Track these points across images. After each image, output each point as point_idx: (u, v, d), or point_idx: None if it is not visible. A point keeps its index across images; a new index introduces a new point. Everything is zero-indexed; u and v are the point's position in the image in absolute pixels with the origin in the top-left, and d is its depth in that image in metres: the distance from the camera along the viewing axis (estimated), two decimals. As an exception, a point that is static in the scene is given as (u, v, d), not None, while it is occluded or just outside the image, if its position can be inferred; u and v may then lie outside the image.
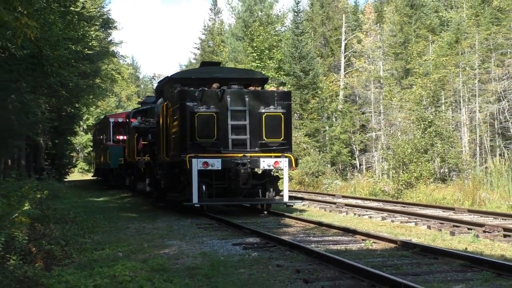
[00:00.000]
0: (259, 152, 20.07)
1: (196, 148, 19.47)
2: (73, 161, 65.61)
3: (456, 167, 35.58)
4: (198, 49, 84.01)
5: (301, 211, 22.33)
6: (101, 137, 45.62)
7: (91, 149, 65.78)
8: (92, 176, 56.53)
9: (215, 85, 20.58)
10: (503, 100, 36.63)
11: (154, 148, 25.06)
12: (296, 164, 21.26)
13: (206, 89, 20.25)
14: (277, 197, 20.95)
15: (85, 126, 71.37)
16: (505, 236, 14.63)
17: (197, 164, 18.85)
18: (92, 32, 43.19)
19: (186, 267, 11.52)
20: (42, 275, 9.90)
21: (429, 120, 35.33)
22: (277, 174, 23.18)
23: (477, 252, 12.32)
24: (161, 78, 24.54)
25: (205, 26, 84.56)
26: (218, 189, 20.18)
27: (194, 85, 20.91)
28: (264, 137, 20.07)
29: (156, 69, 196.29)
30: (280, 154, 20.08)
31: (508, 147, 36.12)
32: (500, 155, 35.36)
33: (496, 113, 37.53)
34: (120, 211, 24.45)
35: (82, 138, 75.37)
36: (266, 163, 19.79)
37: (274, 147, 20.22)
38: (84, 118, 65.24)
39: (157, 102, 23.78)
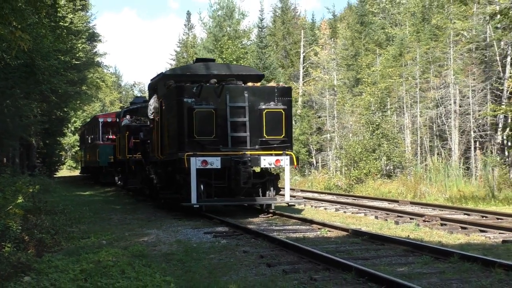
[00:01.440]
0: (259, 150, 17.31)
1: (194, 146, 16.65)
2: (62, 159, 65.53)
3: (400, 165, 35.91)
4: (174, 60, 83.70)
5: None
6: (91, 136, 42.80)
7: (78, 148, 65.00)
8: (80, 173, 55.94)
9: (212, 81, 17.75)
10: (440, 106, 36.95)
11: (146, 146, 22.18)
12: (298, 162, 18.38)
13: (205, 84, 17.43)
14: (277, 196, 18.23)
15: (72, 128, 70.73)
16: (442, 224, 14.75)
17: (195, 163, 16.14)
18: (79, 45, 42.91)
19: (163, 253, 11.49)
20: (34, 261, 9.86)
21: (377, 123, 35.66)
22: (277, 172, 21.31)
23: (418, 239, 12.40)
24: (154, 76, 21.36)
25: (180, 40, 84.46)
26: (217, 189, 17.30)
27: (189, 82, 18.21)
28: (264, 135, 17.30)
29: (136, 77, 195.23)
30: (281, 152, 17.26)
31: (445, 147, 36.43)
32: (437, 154, 35.68)
33: (434, 118, 37.84)
34: (104, 204, 24.30)
35: (70, 139, 74.90)
36: (267, 161, 17.01)
37: (275, 145, 17.40)
38: (72, 121, 64.95)
39: (150, 100, 20.67)
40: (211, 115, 16.78)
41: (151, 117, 20.48)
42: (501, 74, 34.03)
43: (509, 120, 31.42)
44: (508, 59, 32.99)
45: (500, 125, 33.48)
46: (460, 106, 35.64)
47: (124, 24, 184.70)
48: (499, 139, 33.77)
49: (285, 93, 17.85)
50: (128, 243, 12.69)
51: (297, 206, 20.08)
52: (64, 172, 67.22)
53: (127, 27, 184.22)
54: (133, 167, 25.50)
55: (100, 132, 37.97)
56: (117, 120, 32.15)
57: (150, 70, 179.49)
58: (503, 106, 30.87)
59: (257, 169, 18.86)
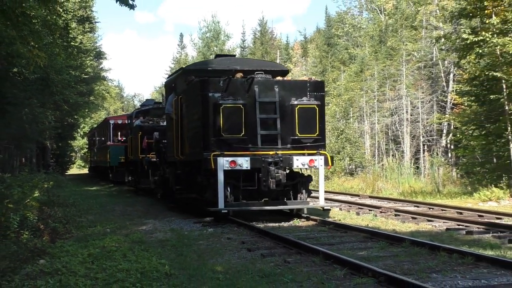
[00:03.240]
0: (291, 149, 13.74)
1: (220, 145, 13.15)
2: (72, 159, 65.36)
3: (360, 164, 36.08)
4: (169, 74, 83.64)
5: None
6: (101, 137, 39.15)
7: (87, 150, 64.51)
8: (88, 171, 55.59)
9: (238, 75, 14.24)
10: (395, 115, 37.16)
11: (161, 146, 18.61)
12: (332, 163, 15.04)
13: (232, 77, 13.83)
14: (308, 199, 14.68)
15: (82, 133, 70.35)
16: (395, 215, 14.83)
17: (223, 164, 12.74)
18: (87, 61, 42.96)
19: (159, 240, 11.47)
20: (48, 246, 9.86)
21: (341, 129, 35.84)
22: (308, 173, 17.66)
23: (375, 227, 12.45)
24: (171, 73, 17.64)
25: (173, 58, 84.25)
26: (244, 192, 13.83)
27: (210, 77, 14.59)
28: (297, 132, 13.70)
29: (137, 89, 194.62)
30: (315, 152, 13.72)
31: (398, 149, 36.60)
32: (392, 155, 35.84)
33: (390, 125, 38.02)
34: (108, 197, 24.22)
35: (79, 142, 74.53)
36: (300, 161, 13.50)
37: (308, 144, 13.87)
38: (81, 126, 64.70)
39: (168, 98, 17.01)
40: (240, 111, 13.21)
41: (169, 115, 16.84)
42: (445, 88, 34.33)
43: (452, 127, 31.65)
44: (451, 75, 33.26)
45: (444, 131, 33.80)
46: (411, 115, 35.84)
47: (126, 43, 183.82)
48: (443, 143, 34.03)
49: (318, 88, 14.30)
50: (129, 231, 12.66)
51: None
52: (74, 170, 66.88)
53: (128, 45, 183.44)
54: (146, 167, 22.27)
55: (111, 134, 34.76)
56: (129, 121, 28.96)
57: (149, 83, 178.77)
58: (446, 115, 31.20)
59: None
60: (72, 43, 33.20)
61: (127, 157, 27.84)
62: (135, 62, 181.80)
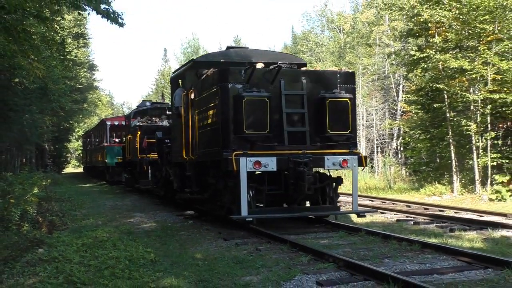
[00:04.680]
0: (320, 148, 10.63)
1: (242, 143, 10.01)
2: (68, 159, 65.04)
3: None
4: (154, 84, 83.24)
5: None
6: (98, 138, 36.08)
7: (81, 151, 63.75)
8: (83, 171, 54.95)
9: (259, 65, 11.01)
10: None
11: (163, 146, 15.68)
12: (366, 163, 11.78)
13: (256, 66, 10.64)
14: (338, 204, 11.53)
15: (76, 136, 69.73)
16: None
17: (246, 165, 9.64)
18: (82, 73, 42.76)
19: (145, 230, 11.42)
20: (46, 237, 9.80)
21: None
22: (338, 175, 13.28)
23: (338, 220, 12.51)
24: (178, 67, 14.82)
25: (158, 70, 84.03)
26: (268, 196, 10.68)
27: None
28: (328, 129, 10.54)
29: (125, 97, 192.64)
30: (347, 151, 10.69)
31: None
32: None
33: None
34: (100, 193, 24.03)
35: (74, 144, 73.87)
36: (331, 161, 10.41)
37: (340, 142, 10.72)
38: (76, 130, 64.22)
39: (175, 94, 13.62)
40: (264, 104, 10.11)
41: (176, 112, 13.55)
42: (396, 97, 34.74)
43: (401, 131, 32.04)
44: (401, 86, 33.66)
45: (395, 135, 34.19)
46: (366, 121, 36.15)
47: (116, 55, 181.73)
48: (394, 145, 34.40)
49: (349, 79, 11.21)
50: (118, 223, 12.59)
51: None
52: (69, 169, 66.38)
53: (118, 57, 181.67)
54: (145, 168, 19.40)
55: (107, 135, 31.97)
56: (125, 122, 26.09)
57: (136, 92, 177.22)
58: (397, 121, 31.56)
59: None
60: (68, 56, 33.00)
61: (124, 157, 24.95)
62: (124, 73, 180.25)
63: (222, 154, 9.94)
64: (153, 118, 21.53)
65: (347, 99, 10.75)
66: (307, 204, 11.66)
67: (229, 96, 10.10)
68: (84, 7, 14.72)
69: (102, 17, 14.74)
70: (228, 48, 13.51)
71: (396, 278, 6.22)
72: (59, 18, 22.62)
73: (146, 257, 8.15)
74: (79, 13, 19.88)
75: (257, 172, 10.15)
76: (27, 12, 12.90)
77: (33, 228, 10.61)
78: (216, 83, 10.55)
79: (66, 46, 32.05)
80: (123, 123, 27.85)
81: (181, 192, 14.39)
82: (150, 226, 12.05)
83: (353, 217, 12.29)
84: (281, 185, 10.62)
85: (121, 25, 15.14)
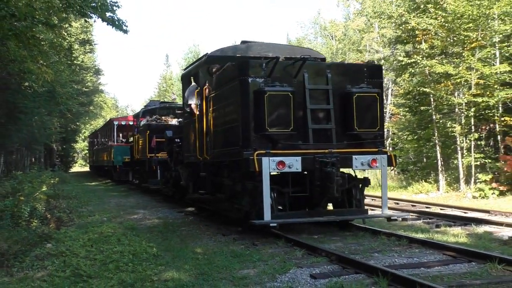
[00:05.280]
0: (347, 146, 9.29)
1: (263, 142, 8.69)
2: (75, 159, 65.03)
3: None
4: (156, 88, 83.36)
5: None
6: (105, 138, 34.06)
7: (87, 151, 63.63)
8: (89, 169, 54.87)
9: (281, 58, 9.29)
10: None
11: (173, 145, 14.51)
12: (396, 163, 10.01)
13: (279, 59, 8.91)
14: (366, 207, 10.18)
15: (83, 137, 69.68)
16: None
17: (269, 165, 8.38)
18: (88, 77, 42.76)
19: (148, 226, 11.40)
20: (54, 232, 9.77)
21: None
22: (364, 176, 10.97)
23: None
24: (189, 64, 13.02)
25: (161, 74, 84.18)
26: (291, 199, 9.26)
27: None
28: (355, 126, 9.20)
29: (129, 100, 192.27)
30: (376, 150, 9.35)
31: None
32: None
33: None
34: (105, 191, 23.97)
35: (81, 144, 73.80)
36: (359, 161, 9.09)
37: (368, 140, 9.39)
38: (82, 131, 64.20)
39: (187, 91, 12.06)
40: (288, 100, 8.73)
41: (188, 110, 12.05)
42: (385, 100, 34.76)
43: (390, 133, 32.09)
44: (390, 90, 33.67)
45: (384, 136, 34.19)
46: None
47: (120, 60, 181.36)
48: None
49: (376, 73, 9.79)
50: (122, 219, 12.56)
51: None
52: (76, 168, 66.30)
53: (122, 62, 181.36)
54: (154, 167, 18.00)
55: (115, 134, 30.30)
56: (133, 121, 24.49)
57: (139, 95, 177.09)
58: (386, 123, 31.55)
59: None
60: (75, 61, 33.13)
61: (132, 157, 23.52)
62: (128, 77, 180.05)
63: (243, 154, 8.62)
64: (162, 117, 20.12)
65: (376, 94, 9.42)
66: (329, 206, 10.37)
67: (249, 91, 8.77)
68: (91, 15, 14.73)
69: (107, 24, 14.77)
70: (243, 42, 11.87)
71: (385, 271, 6.22)
72: (66, 25, 22.66)
73: (149, 251, 8.13)
74: (85, 21, 19.88)
75: (284, 171, 8.62)
76: (36, 20, 12.87)
77: (42, 224, 10.59)
78: (235, 77, 9.18)
79: (73, 51, 32.18)
80: (130, 123, 26.99)
81: (193, 193, 13.12)
82: (153, 222, 12.03)
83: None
84: (305, 187, 9.12)
85: (125, 31, 15.17)
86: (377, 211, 13.31)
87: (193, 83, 11.93)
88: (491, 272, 6.46)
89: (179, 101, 22.08)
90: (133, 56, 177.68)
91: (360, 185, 9.67)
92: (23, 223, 10.08)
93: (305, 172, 9.07)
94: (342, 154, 9.03)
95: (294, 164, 8.53)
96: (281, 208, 9.33)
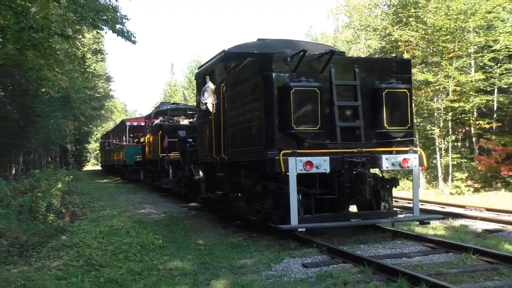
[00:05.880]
0: (376, 145, 7.94)
1: (288, 140, 7.42)
2: (87, 158, 64.98)
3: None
4: (162, 94, 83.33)
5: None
6: (117, 138, 32.37)
7: (99, 151, 63.38)
8: (101, 168, 54.68)
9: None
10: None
11: (186, 145, 13.39)
12: (427, 163, 8.06)
13: (306, 52, 7.50)
14: (395, 209, 9.10)
15: (95, 138, 69.58)
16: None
17: (295, 166, 7.06)
18: (99, 84, 42.69)
19: (154, 220, 11.38)
20: (69, 225, 9.76)
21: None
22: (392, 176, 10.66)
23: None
24: (204, 62, 11.93)
25: (166, 82, 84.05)
26: (317, 201, 7.78)
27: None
28: (385, 124, 7.90)
29: (137, 105, 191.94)
30: (407, 149, 8.01)
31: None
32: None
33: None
34: (115, 188, 23.93)
35: (93, 145, 73.73)
36: (390, 161, 7.69)
37: (398, 139, 8.05)
38: (94, 133, 64.11)
39: (202, 90, 10.51)
40: (315, 96, 7.43)
41: (204, 109, 10.61)
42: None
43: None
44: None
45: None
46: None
47: (129, 67, 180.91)
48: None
49: (405, 68, 8.41)
50: (131, 213, 12.54)
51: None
52: (88, 167, 66.13)
53: (131, 70, 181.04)
54: (166, 167, 16.78)
55: (127, 135, 28.95)
56: (145, 122, 23.28)
57: (147, 100, 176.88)
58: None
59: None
60: (87, 69, 33.09)
61: (144, 156, 22.13)
62: (136, 83, 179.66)
63: (267, 154, 7.37)
64: (174, 117, 19.05)
65: (406, 90, 8.10)
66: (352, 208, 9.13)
67: (273, 87, 7.46)
68: (102, 27, 14.77)
69: (117, 35, 14.82)
70: (259, 40, 10.43)
71: (370, 261, 6.24)
72: (80, 36, 22.62)
73: (155, 242, 8.13)
74: (97, 32, 19.85)
75: (311, 172, 7.27)
76: (52, 31, 12.90)
77: (57, 218, 10.56)
78: (257, 72, 7.83)
79: (86, 60, 32.13)
80: (142, 124, 25.98)
81: (206, 193, 12.04)
82: (159, 216, 12.01)
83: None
84: (333, 189, 7.78)
85: (134, 42, 15.22)
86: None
87: (208, 81, 10.59)
88: (466, 261, 6.48)
89: (190, 104, 21.48)
90: (141, 64, 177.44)
91: (388, 185, 8.37)
92: (40, 217, 10.06)
93: (329, 172, 7.53)
94: (371, 153, 7.73)
95: (322, 164, 7.24)
96: (319, 216, 7.82)
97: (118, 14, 14.83)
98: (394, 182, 8.45)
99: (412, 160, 7.84)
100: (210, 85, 10.35)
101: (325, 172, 7.32)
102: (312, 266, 6.46)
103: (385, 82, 8.03)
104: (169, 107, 20.86)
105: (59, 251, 7.63)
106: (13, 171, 25.84)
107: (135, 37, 15.09)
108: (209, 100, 10.31)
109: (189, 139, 13.64)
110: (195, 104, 13.65)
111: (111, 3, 15.58)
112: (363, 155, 7.57)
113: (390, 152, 7.86)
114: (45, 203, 10.82)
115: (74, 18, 14.40)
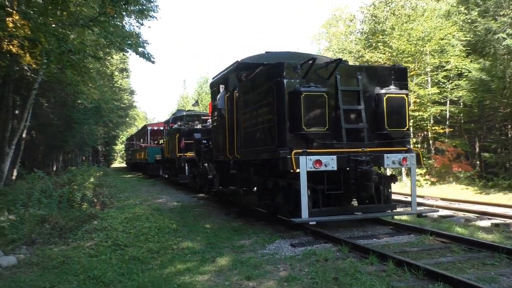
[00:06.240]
0: (378, 145, 7.31)
1: (299, 141, 6.74)
2: (115, 158, 64.86)
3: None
4: (176, 105, 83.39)
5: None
6: (140, 141, 31.86)
7: (124, 151, 63.10)
8: (126, 165, 54.48)
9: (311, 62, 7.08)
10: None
11: (201, 146, 12.76)
12: (423, 161, 7.83)
13: (315, 60, 7.02)
14: (394, 203, 7.97)
15: (121, 141, 69.46)
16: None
17: (306, 164, 6.48)
18: (125, 96, 42.59)
19: (169, 208, 11.33)
20: (99, 213, 9.68)
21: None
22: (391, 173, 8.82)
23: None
24: (217, 73, 10.47)
25: (179, 95, 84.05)
26: (323, 197, 7.19)
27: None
28: (386, 126, 7.31)
29: (156, 113, 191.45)
30: (405, 148, 7.40)
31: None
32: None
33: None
34: (137, 182, 23.83)
35: (119, 147, 73.56)
36: (391, 160, 7.12)
37: (398, 139, 7.45)
38: (120, 137, 63.96)
39: (218, 96, 9.88)
40: (323, 100, 6.89)
41: (219, 113, 9.96)
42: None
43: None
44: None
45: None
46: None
47: (149, 82, 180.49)
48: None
49: (403, 76, 7.81)
50: (150, 202, 12.48)
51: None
52: (115, 164, 66.06)
53: (150, 84, 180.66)
54: (183, 165, 16.30)
55: (149, 137, 28.87)
56: (163, 126, 22.51)
57: (164, 110, 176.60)
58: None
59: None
60: (115, 84, 33.02)
61: (163, 156, 21.50)
62: (155, 95, 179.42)
63: (279, 153, 6.74)
64: (189, 122, 18.56)
65: (404, 95, 7.54)
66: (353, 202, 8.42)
67: (284, 92, 6.86)
68: (127, 50, 14.76)
69: (139, 57, 14.79)
70: (268, 52, 9.65)
71: (347, 241, 6.22)
72: (109, 58, 22.60)
73: (170, 226, 8.10)
74: (123, 54, 19.84)
75: (320, 170, 6.73)
76: (87, 54, 12.87)
77: (90, 206, 10.51)
78: (269, 79, 7.23)
79: (114, 77, 32.11)
80: (161, 128, 25.41)
81: (218, 187, 11.28)
82: (173, 205, 11.97)
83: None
84: (339, 185, 7.19)
85: (153, 62, 15.22)
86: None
87: (222, 89, 9.89)
88: (425, 241, 6.48)
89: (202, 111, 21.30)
90: (158, 79, 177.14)
91: (388, 182, 7.82)
92: (76, 206, 10.02)
93: (336, 170, 6.89)
94: (374, 152, 7.15)
95: (330, 162, 6.70)
96: (327, 209, 7.29)
97: (140, 39, 14.85)
98: (393, 178, 8.02)
99: (410, 158, 7.30)
100: (224, 92, 9.67)
101: (332, 169, 6.76)
102: (299, 246, 6.44)
103: (386, 88, 7.51)
104: (184, 113, 20.45)
105: (91, 233, 7.60)
106: (54, 168, 25.78)
107: (154, 58, 15.08)
108: (223, 106, 9.63)
109: (203, 141, 13.22)
110: (206, 110, 13.75)
111: (135, 31, 15.59)
112: (368, 154, 7.01)
113: (391, 152, 7.29)
114: (80, 194, 10.79)
115: (105, 43, 14.39)
